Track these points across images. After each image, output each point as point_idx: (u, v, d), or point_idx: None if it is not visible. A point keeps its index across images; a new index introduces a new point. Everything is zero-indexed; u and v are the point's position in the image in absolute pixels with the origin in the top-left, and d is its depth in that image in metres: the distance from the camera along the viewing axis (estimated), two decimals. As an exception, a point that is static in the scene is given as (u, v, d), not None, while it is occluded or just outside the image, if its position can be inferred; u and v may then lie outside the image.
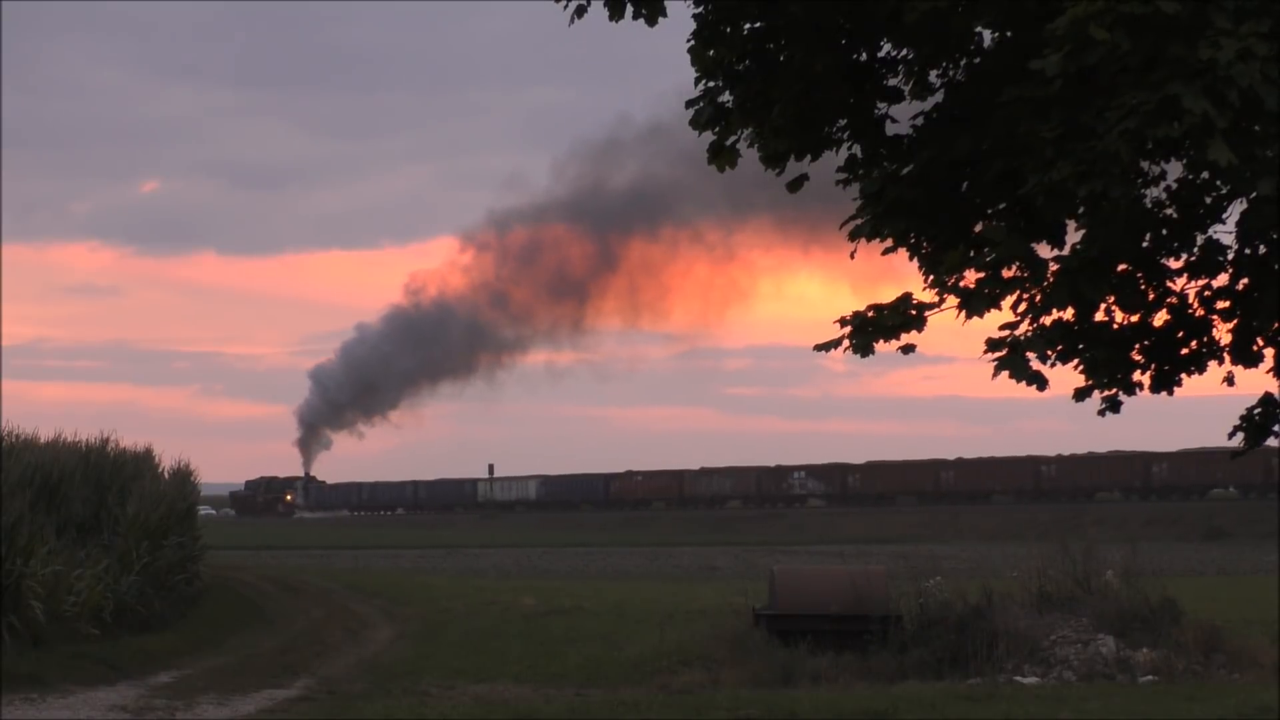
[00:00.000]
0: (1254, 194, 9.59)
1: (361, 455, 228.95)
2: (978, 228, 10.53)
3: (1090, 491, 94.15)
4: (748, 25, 10.86)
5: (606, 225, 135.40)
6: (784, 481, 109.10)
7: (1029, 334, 10.01)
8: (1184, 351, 10.67)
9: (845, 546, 69.50)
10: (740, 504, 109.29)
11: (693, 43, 10.91)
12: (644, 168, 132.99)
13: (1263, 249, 10.25)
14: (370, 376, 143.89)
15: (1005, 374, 9.87)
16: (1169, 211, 10.28)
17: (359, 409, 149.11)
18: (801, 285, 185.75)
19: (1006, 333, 9.99)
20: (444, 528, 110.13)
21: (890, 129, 10.99)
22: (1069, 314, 10.27)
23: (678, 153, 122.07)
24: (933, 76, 10.81)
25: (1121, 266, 10.23)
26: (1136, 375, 10.65)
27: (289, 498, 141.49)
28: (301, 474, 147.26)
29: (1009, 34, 10.26)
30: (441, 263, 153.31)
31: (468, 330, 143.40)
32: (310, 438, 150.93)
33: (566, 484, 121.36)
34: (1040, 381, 9.93)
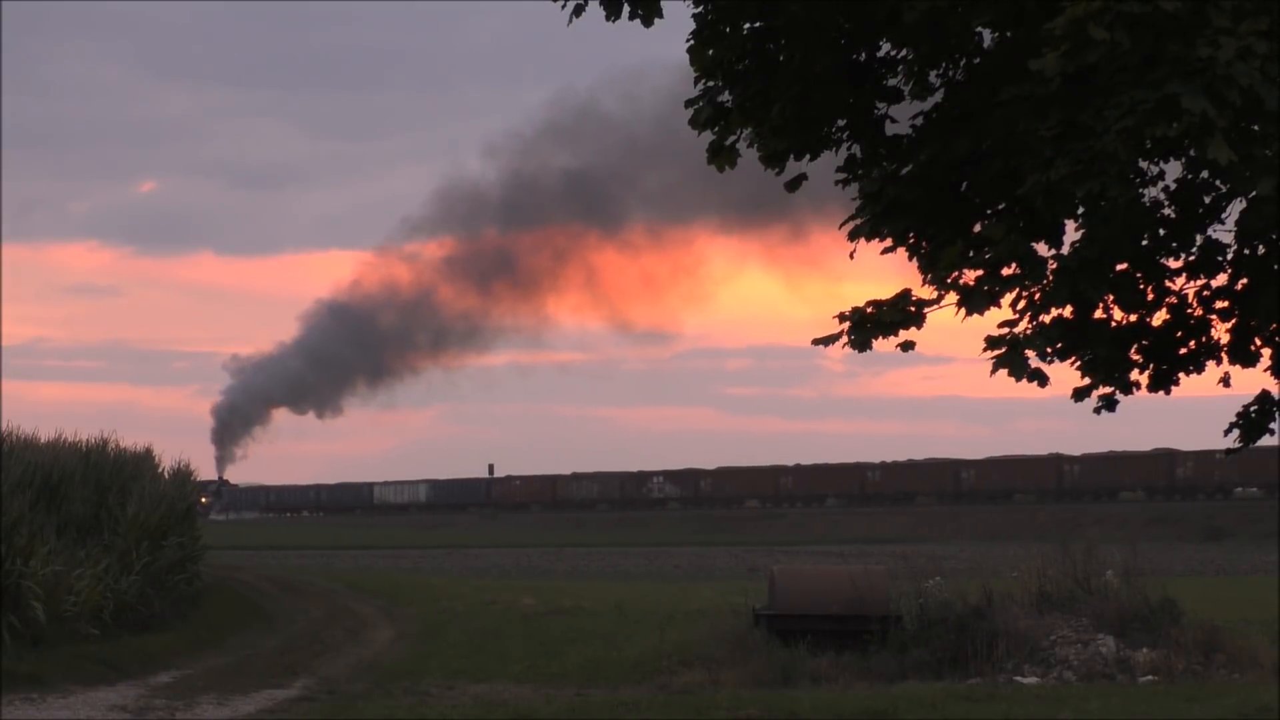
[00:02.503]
0: (1253, 194, 9.60)
1: (360, 455, 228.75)
2: (977, 227, 10.53)
3: (912, 496, 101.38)
4: (747, 25, 10.86)
5: (553, 216, 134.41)
6: (644, 485, 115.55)
7: (1028, 332, 10.02)
8: (1182, 351, 10.68)
9: (845, 546, 69.53)
10: (608, 506, 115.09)
11: (692, 43, 10.92)
12: (590, 156, 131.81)
13: (1261, 249, 10.26)
14: (314, 370, 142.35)
15: (1004, 373, 9.89)
16: (1168, 211, 10.28)
17: (301, 399, 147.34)
18: (754, 282, 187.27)
19: (1005, 331, 10.00)
20: (445, 528, 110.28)
21: (890, 129, 10.99)
22: (1068, 312, 10.27)
23: (625, 142, 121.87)
24: (932, 76, 10.82)
25: (1120, 266, 10.24)
26: (1134, 374, 10.66)
27: (204, 500, 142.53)
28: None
29: (1008, 34, 10.26)
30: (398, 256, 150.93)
31: (413, 323, 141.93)
32: (234, 433, 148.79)
33: (453, 487, 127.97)
34: (1040, 379, 9.94)
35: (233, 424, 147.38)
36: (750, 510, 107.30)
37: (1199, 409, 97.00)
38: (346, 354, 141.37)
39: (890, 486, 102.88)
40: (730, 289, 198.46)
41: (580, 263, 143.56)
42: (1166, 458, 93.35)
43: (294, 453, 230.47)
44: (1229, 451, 11.28)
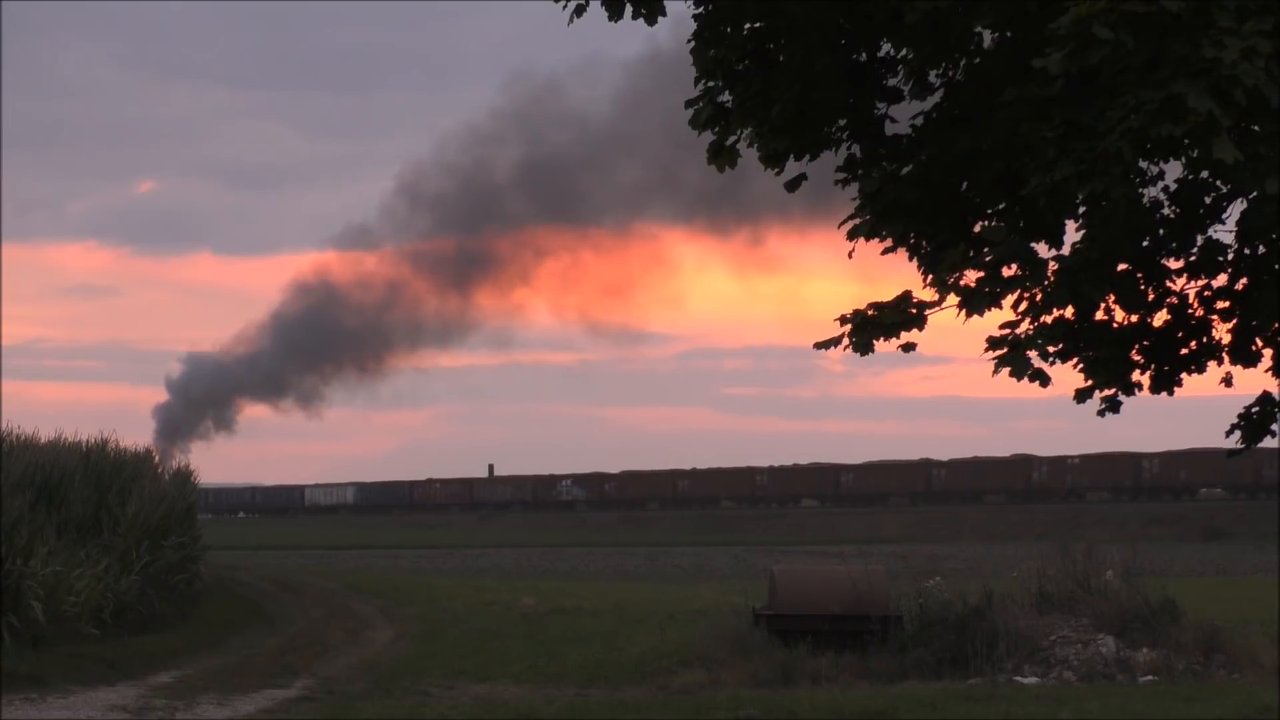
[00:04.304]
0: (1254, 194, 9.61)
1: (359, 454, 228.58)
2: (977, 228, 10.53)
3: (798, 498, 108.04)
4: (748, 25, 10.86)
5: (512, 212, 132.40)
6: (554, 489, 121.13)
7: (1029, 332, 10.01)
8: (1183, 351, 10.67)
9: (845, 546, 69.52)
10: (521, 508, 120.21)
11: (693, 43, 10.92)
12: (546, 151, 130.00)
13: (1262, 249, 10.26)
14: (286, 362, 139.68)
15: (1005, 373, 9.88)
16: (1168, 212, 10.28)
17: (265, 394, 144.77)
18: (715, 279, 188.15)
19: (1007, 331, 9.99)
20: (443, 529, 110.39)
21: (890, 129, 10.99)
22: (1069, 313, 10.27)
23: (590, 133, 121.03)
24: (933, 76, 10.81)
25: (1121, 266, 10.24)
26: (1136, 375, 10.65)
27: None
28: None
29: (1009, 34, 10.26)
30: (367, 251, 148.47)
31: (385, 320, 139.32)
32: (184, 430, 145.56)
33: (379, 490, 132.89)
34: (1042, 378, 9.94)
35: (189, 420, 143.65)
36: (651, 511, 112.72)
37: (1209, 408, 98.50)
38: (315, 347, 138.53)
39: (777, 489, 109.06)
40: (701, 289, 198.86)
41: (552, 259, 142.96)
42: (1023, 463, 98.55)
43: (286, 454, 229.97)
44: (1231, 453, 11.26)
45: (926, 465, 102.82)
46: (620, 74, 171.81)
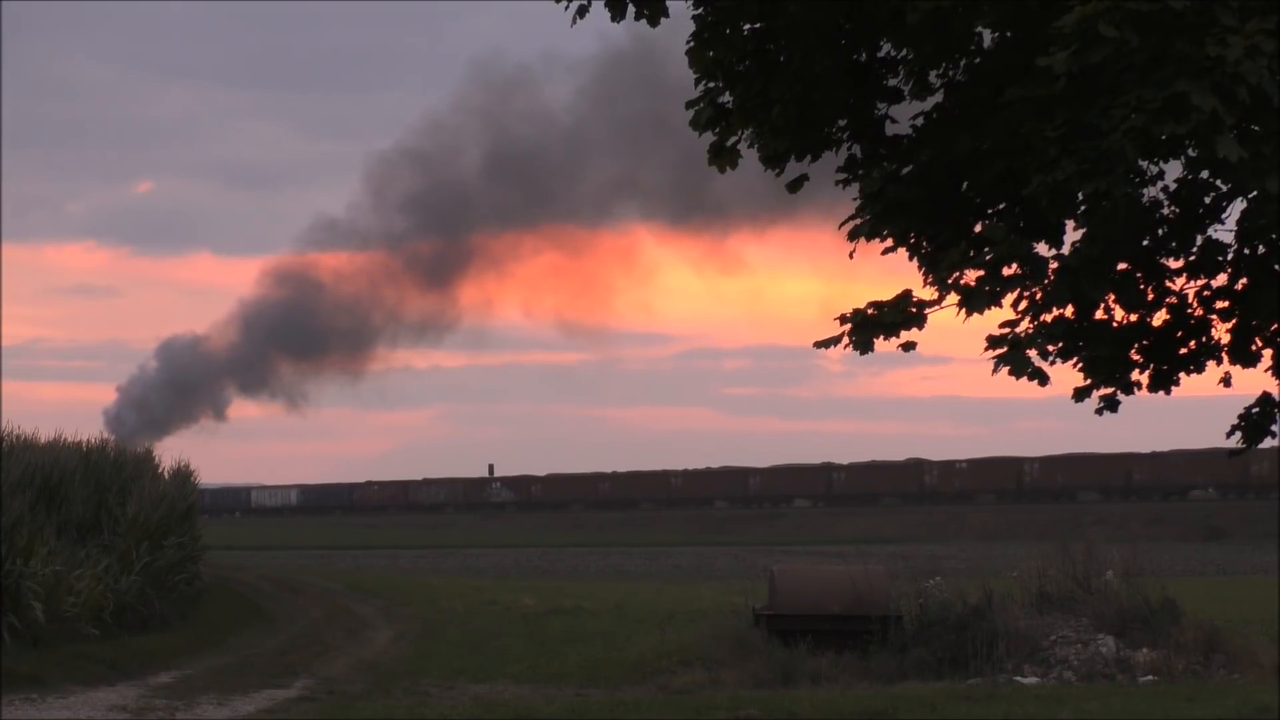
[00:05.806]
0: (1254, 193, 9.62)
1: (353, 454, 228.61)
2: (978, 227, 10.54)
3: (711, 500, 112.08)
4: (747, 26, 10.87)
5: (483, 212, 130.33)
6: (484, 490, 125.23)
7: (1029, 331, 10.02)
8: (1182, 351, 10.68)
9: (845, 547, 69.55)
10: (454, 509, 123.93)
11: (692, 44, 10.93)
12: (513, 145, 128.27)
13: (1261, 249, 10.27)
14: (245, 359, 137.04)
15: (1004, 374, 9.89)
16: (1168, 211, 10.29)
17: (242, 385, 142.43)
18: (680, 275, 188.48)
19: (1007, 330, 10.00)
20: (444, 529, 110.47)
21: (890, 129, 11.00)
22: (1069, 312, 10.28)
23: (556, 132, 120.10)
24: (933, 76, 10.82)
25: (1121, 266, 10.25)
26: (1135, 374, 10.66)
27: None
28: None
29: (1010, 34, 10.27)
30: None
31: (365, 319, 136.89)
32: (155, 420, 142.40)
33: (320, 492, 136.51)
34: (1041, 377, 9.94)
35: (161, 408, 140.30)
36: (574, 512, 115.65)
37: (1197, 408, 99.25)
38: (288, 340, 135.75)
39: (692, 491, 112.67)
40: (698, 289, 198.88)
41: (540, 257, 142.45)
42: (915, 466, 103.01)
43: (283, 454, 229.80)
44: (1232, 453, 11.26)
45: (827, 469, 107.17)
46: (601, 70, 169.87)
